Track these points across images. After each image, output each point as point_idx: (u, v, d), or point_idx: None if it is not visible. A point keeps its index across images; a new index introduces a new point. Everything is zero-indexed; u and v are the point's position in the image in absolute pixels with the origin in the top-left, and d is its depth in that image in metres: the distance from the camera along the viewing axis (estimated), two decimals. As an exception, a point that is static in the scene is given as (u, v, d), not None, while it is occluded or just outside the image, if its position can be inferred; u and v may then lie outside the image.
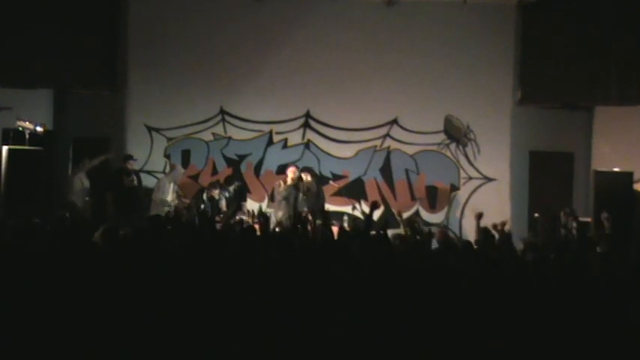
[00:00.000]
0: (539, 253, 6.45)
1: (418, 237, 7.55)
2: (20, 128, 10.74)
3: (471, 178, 12.57)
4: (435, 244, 7.31)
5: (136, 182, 11.43)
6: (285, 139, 12.59)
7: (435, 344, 4.34)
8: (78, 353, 4.20)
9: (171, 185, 11.55)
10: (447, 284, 4.92)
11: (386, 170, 12.60)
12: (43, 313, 4.32)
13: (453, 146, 12.55)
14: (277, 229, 9.24)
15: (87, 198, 11.20)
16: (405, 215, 11.68)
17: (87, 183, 11.20)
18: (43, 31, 11.68)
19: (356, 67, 12.36)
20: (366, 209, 11.94)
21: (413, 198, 12.56)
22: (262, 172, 12.58)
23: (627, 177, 11.48)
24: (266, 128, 12.53)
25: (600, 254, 7.01)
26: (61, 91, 12.33)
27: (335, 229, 7.99)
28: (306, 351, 4.30)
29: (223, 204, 11.54)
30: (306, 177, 11.50)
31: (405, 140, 12.54)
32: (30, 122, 10.83)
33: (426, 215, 12.49)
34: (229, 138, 12.56)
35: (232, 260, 5.41)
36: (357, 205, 12.42)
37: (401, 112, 12.48)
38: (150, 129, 12.45)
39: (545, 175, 12.34)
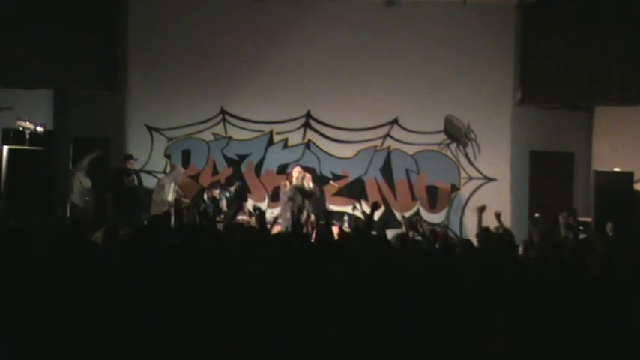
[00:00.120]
0: (539, 252, 6.45)
1: (421, 238, 7.55)
2: (20, 128, 10.75)
3: (471, 178, 12.56)
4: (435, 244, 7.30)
5: (136, 182, 11.41)
6: (286, 140, 12.58)
7: (435, 344, 4.35)
8: (78, 353, 4.20)
9: (172, 185, 11.55)
10: (447, 284, 4.93)
11: (386, 170, 12.59)
12: (44, 313, 4.32)
13: (453, 146, 12.54)
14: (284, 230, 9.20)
15: (87, 198, 11.20)
16: (406, 215, 11.71)
17: (86, 182, 11.20)
18: (43, 31, 11.68)
19: (356, 67, 12.36)
20: (367, 209, 11.93)
21: (413, 198, 12.55)
22: (263, 172, 12.57)
23: (627, 177, 11.48)
24: (266, 128, 12.53)
25: (600, 254, 7.00)
26: (61, 91, 12.35)
27: (335, 230, 8.00)
28: (306, 351, 4.30)
29: (224, 204, 11.53)
30: (308, 182, 11.42)
31: (405, 140, 12.53)
32: (30, 122, 10.84)
33: (426, 215, 12.47)
34: (230, 138, 12.55)
35: (232, 260, 5.42)
36: (358, 205, 12.39)
37: (401, 112, 12.48)
38: (150, 129, 12.45)
39: (546, 175, 12.35)
